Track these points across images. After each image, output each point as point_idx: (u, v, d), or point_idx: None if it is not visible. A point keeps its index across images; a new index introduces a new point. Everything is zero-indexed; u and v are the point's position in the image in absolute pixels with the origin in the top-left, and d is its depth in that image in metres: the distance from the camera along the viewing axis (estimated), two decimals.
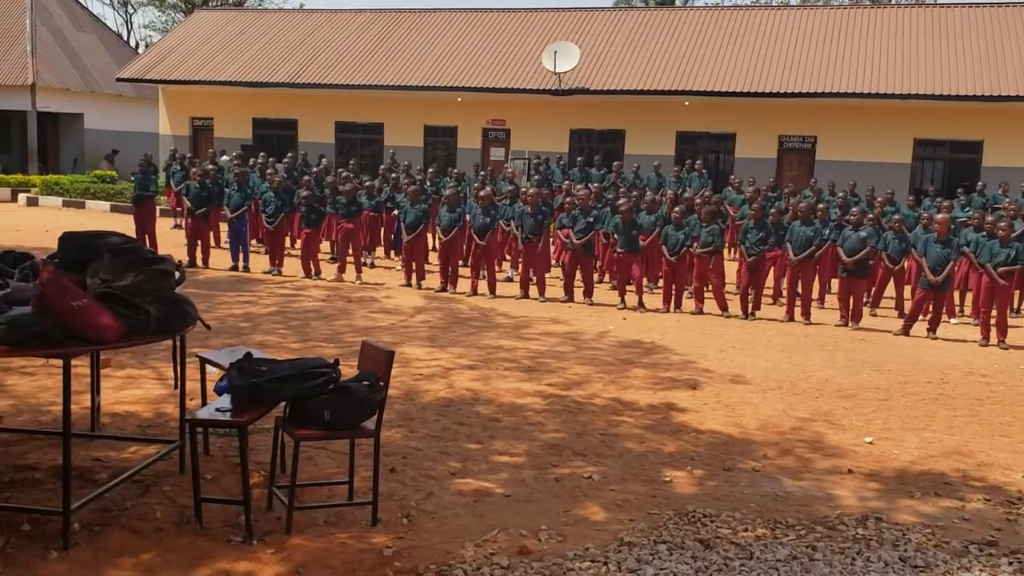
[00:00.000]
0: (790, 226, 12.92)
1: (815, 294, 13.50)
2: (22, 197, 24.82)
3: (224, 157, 20.57)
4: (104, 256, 4.58)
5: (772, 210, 13.50)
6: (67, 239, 4.80)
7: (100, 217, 21.69)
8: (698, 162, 20.91)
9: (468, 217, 14.12)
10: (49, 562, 4.13)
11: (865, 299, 13.04)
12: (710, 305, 12.97)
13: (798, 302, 12.73)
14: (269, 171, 16.44)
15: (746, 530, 5.04)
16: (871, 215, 13.70)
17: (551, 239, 15.39)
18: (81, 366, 5.89)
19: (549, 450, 6.28)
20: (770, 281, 13.83)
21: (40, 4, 31.24)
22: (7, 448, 5.59)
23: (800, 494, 5.72)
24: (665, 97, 23.00)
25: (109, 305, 4.35)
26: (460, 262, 14.53)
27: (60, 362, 4.25)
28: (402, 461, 5.84)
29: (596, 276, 14.54)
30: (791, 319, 12.59)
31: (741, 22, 25.35)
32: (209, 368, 5.85)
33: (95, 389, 5.89)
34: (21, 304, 4.32)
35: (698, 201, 14.57)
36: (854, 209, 13.64)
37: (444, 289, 13.69)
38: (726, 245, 14.49)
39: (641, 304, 13.03)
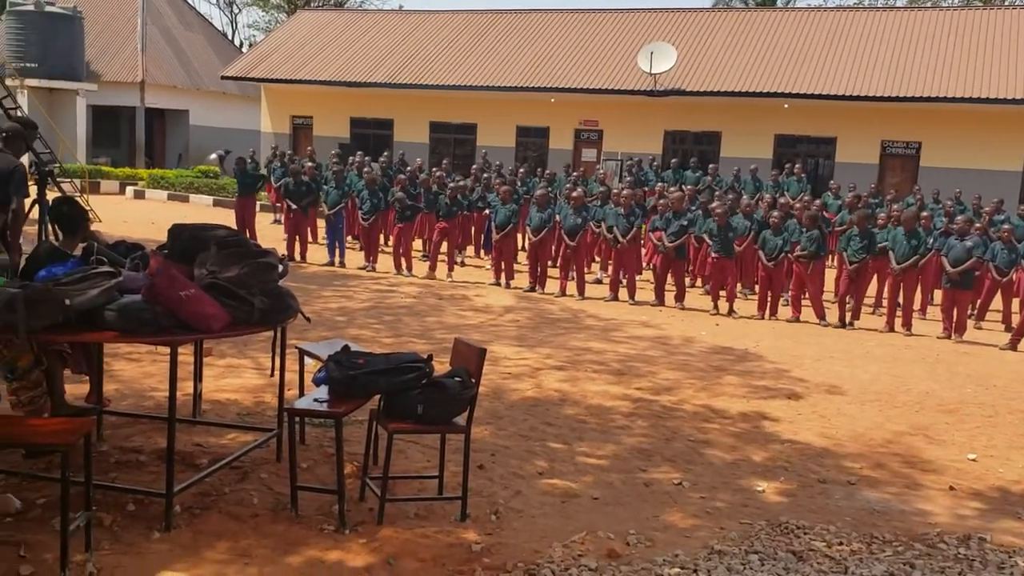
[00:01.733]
0: (892, 234, 12.54)
1: (917, 304, 13.07)
2: (129, 190, 25.86)
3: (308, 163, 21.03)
4: (211, 248, 4.73)
5: (881, 214, 13.15)
6: (176, 231, 4.98)
7: (203, 211, 22.44)
8: (797, 166, 20.46)
9: (558, 218, 14.12)
10: (152, 542, 4.29)
11: (970, 311, 12.56)
12: (807, 313, 12.67)
13: (899, 312, 12.34)
14: (365, 169, 16.75)
15: (841, 544, 4.91)
16: (978, 224, 13.19)
17: (642, 241, 15.27)
18: (185, 354, 6.10)
19: (637, 454, 6.23)
20: (870, 290, 13.44)
21: (151, 4, 32.49)
22: (114, 431, 5.82)
23: (897, 509, 5.54)
24: (764, 99, 22.57)
25: (215, 295, 4.49)
26: (549, 263, 14.55)
27: (165, 349, 4.40)
28: (491, 458, 5.87)
29: (688, 280, 14.36)
30: (891, 330, 12.21)
31: (844, 23, 24.71)
32: (307, 359, 5.99)
33: (198, 377, 6.10)
34: (132, 292, 4.49)
35: (798, 206, 14.26)
36: (959, 217, 13.18)
37: (533, 289, 13.72)
38: (826, 252, 14.16)
39: (733, 310, 12.82)
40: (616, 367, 8.86)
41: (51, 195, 7.96)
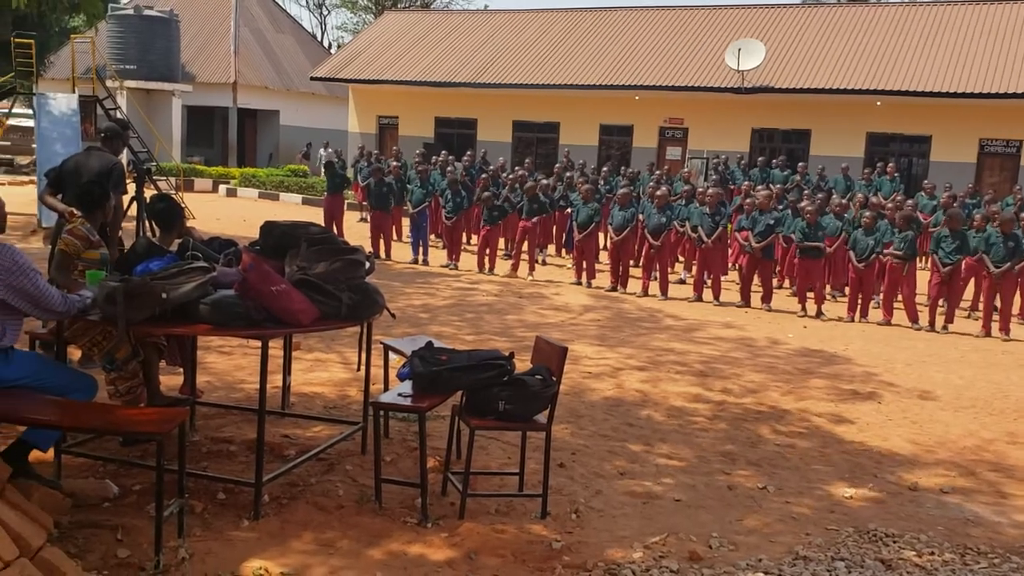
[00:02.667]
0: (986, 236, 12.08)
1: (1015, 308, 12.56)
2: (222, 188, 26.63)
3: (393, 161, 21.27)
4: (301, 245, 4.85)
5: (977, 215, 12.68)
6: (268, 228, 5.11)
7: (293, 209, 22.96)
8: (890, 165, 19.87)
9: (642, 217, 14.01)
10: (241, 530, 4.41)
11: None
12: (899, 316, 12.31)
13: (996, 316, 11.88)
14: (449, 169, 16.91)
15: (932, 553, 4.76)
16: None
17: (728, 241, 15.04)
18: (275, 348, 6.25)
19: (720, 457, 6.15)
20: (966, 293, 12.97)
21: (243, 6, 33.38)
22: (206, 421, 6.01)
23: (992, 520, 5.34)
24: (855, 96, 21.99)
25: (305, 291, 4.60)
26: (632, 262, 14.44)
27: (255, 343, 4.52)
28: (571, 457, 5.87)
29: (775, 281, 14.09)
30: (988, 334, 11.77)
31: (939, 18, 23.89)
32: (391, 355, 6.09)
33: (287, 370, 6.25)
34: (225, 287, 4.63)
35: (890, 206, 13.85)
36: None
37: (614, 289, 13.64)
38: (919, 253, 13.73)
39: (822, 312, 12.53)
40: (699, 368, 8.75)
41: (148, 193, 8.26)
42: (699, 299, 13.19)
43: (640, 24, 27.03)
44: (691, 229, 13.76)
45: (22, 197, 18.34)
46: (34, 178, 19.44)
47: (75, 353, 6.13)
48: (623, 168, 20.23)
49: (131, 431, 4.59)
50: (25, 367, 4.43)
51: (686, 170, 19.41)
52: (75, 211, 5.84)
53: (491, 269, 14.70)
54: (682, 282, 14.67)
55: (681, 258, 15.68)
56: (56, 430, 4.48)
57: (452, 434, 5.15)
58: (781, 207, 14.18)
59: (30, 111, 21.83)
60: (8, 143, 28.39)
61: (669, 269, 14.03)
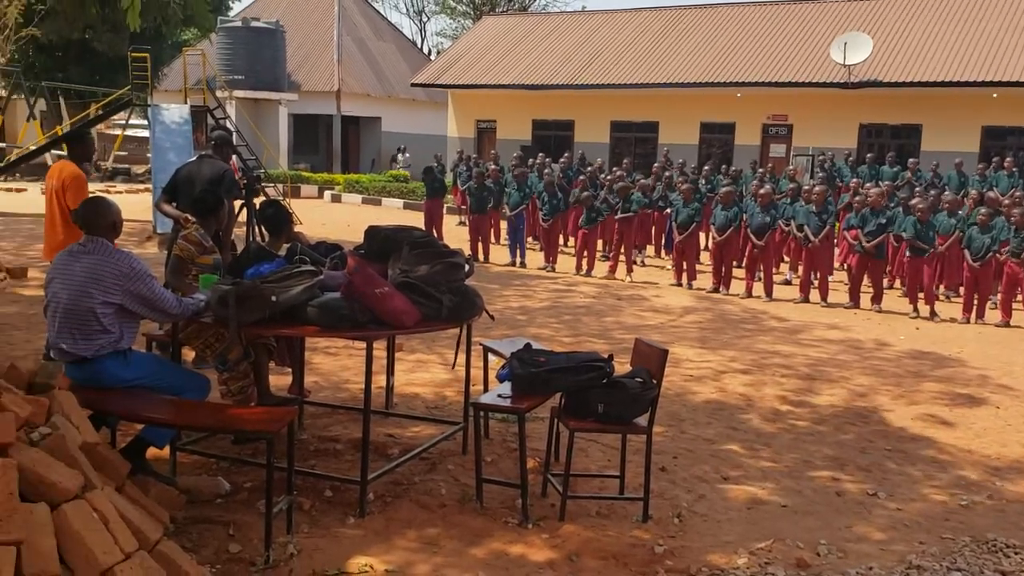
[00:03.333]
0: None
1: None
2: (327, 194, 27.32)
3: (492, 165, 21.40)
4: (404, 248, 4.93)
5: None
6: (372, 232, 5.22)
7: (394, 213, 23.38)
8: (1007, 159, 18.95)
9: (745, 216, 13.74)
10: (347, 527, 4.51)
11: None
12: (1018, 317, 11.74)
13: None
14: (545, 171, 16.94)
15: None
16: None
17: (836, 240, 14.61)
18: (378, 349, 6.36)
19: (828, 462, 5.97)
20: None
21: (346, 16, 34.19)
22: (313, 420, 6.17)
23: None
24: (969, 89, 21.08)
25: (407, 293, 4.68)
26: (735, 263, 14.17)
27: (359, 344, 4.61)
28: (672, 461, 5.80)
29: (886, 281, 13.61)
30: None
31: None
32: (491, 356, 6.13)
33: (390, 371, 6.36)
34: (331, 290, 4.75)
35: (1007, 202, 13.21)
36: None
37: (716, 290, 13.42)
38: None
39: (934, 313, 12.05)
40: (805, 371, 8.53)
41: (257, 199, 8.54)
42: (805, 300, 12.85)
43: (742, 20, 26.54)
44: (796, 228, 13.41)
45: (138, 204, 19.21)
46: (149, 186, 20.32)
47: (188, 354, 6.37)
48: (724, 167, 19.88)
49: (242, 430, 4.76)
50: (143, 367, 4.64)
51: (791, 168, 18.93)
52: (190, 217, 6.07)
53: (589, 271, 14.65)
54: (787, 283, 14.33)
55: (786, 258, 15.30)
56: (172, 428, 4.67)
57: (551, 436, 5.14)
58: (892, 205, 13.70)
59: (145, 122, 22.79)
60: (125, 153, 29.79)
61: (774, 270, 13.71)
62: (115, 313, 4.45)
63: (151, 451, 4.75)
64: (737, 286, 13.47)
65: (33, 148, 22.65)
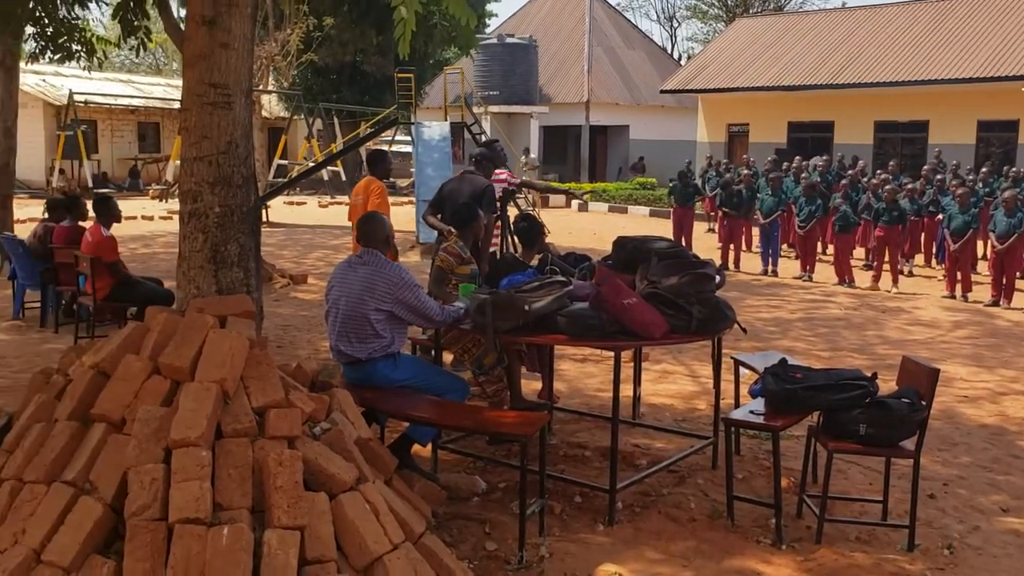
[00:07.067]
0: None
1: None
2: (574, 203, 27.77)
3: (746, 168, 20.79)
4: (651, 259, 4.94)
5: None
6: (620, 243, 5.28)
7: (640, 221, 23.36)
8: None
9: None
10: (596, 533, 4.57)
11: None
12: None
13: None
14: (803, 175, 16.27)
15: None
16: None
17: None
18: (625, 359, 6.41)
19: None
20: None
21: (597, 26, 34.66)
22: (561, 426, 6.30)
23: None
24: None
25: (655, 304, 4.69)
26: (1018, 274, 12.88)
27: (605, 353, 4.66)
28: (942, 488, 5.38)
29: None
30: None
31: None
32: (742, 370, 5.99)
33: (637, 381, 6.38)
34: (580, 300, 4.86)
35: None
36: None
37: (996, 303, 12.26)
38: None
39: None
40: None
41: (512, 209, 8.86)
42: None
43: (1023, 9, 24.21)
44: None
45: (402, 216, 20.47)
46: (412, 199, 21.58)
47: (446, 358, 6.73)
48: (1006, 168, 18.15)
49: (497, 431, 4.96)
50: (410, 369, 4.99)
51: None
52: (452, 230, 6.43)
53: (850, 281, 13.88)
54: None
55: None
56: (434, 427, 4.97)
57: (808, 455, 4.94)
58: None
59: (409, 138, 24.25)
60: (391, 167, 31.91)
61: None
62: (387, 319, 4.82)
63: (415, 448, 5.06)
64: (1020, 299, 12.25)
65: (312, 165, 24.78)
